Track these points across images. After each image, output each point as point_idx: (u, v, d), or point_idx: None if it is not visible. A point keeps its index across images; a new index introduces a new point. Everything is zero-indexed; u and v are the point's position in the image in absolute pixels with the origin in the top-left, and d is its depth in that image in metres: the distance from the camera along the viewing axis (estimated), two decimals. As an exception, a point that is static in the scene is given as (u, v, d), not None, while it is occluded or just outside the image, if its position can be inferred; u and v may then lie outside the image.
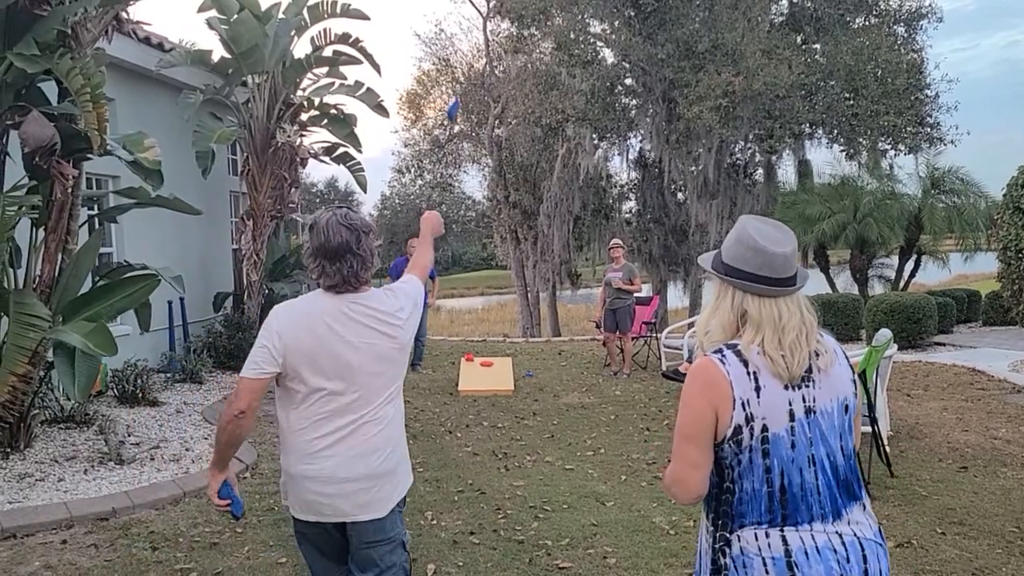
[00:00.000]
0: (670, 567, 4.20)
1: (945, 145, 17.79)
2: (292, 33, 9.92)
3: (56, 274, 6.24)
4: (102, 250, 8.70)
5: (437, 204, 34.80)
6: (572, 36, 18.97)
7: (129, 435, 6.56)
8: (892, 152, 18.46)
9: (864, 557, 1.86)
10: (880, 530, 1.97)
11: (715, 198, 19.46)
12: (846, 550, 1.85)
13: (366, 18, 10.13)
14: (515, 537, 4.67)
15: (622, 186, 23.44)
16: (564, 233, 21.93)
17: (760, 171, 20.62)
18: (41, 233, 6.18)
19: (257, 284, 10.15)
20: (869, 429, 5.69)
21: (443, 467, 6.22)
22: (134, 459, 5.92)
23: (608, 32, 19.17)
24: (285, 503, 2.75)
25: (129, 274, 6.72)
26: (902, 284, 16.60)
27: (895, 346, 6.51)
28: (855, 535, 1.88)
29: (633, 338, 10.61)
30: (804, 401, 1.88)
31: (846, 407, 1.94)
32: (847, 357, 2.03)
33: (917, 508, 5.02)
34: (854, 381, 1.98)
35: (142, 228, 9.09)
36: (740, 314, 1.94)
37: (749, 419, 1.85)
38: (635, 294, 10.36)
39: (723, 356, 1.90)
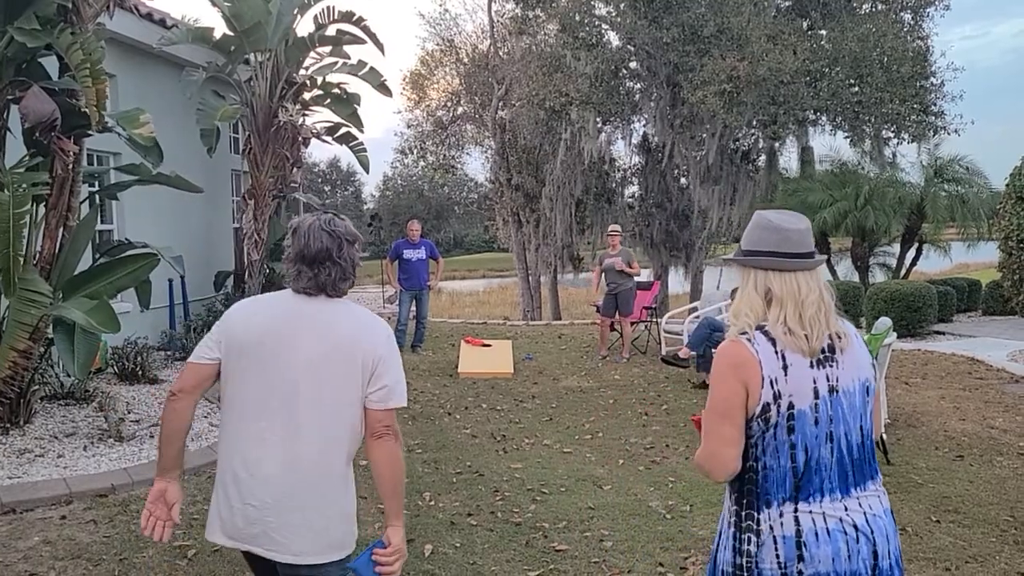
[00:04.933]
0: (666, 551, 4.22)
1: (949, 134, 17.69)
2: (295, 11, 9.86)
3: (56, 250, 6.24)
4: (103, 227, 8.70)
5: (440, 185, 34.73)
6: (577, 18, 18.83)
7: (129, 412, 6.58)
8: (895, 140, 18.38)
9: (874, 539, 1.95)
10: (890, 508, 2.05)
11: (717, 184, 19.38)
12: (856, 531, 1.93)
13: (370, -3, 10.07)
14: (512, 519, 4.69)
15: (625, 170, 23.34)
16: (566, 216, 21.86)
17: (763, 157, 20.53)
18: (42, 209, 6.17)
19: (258, 264, 10.14)
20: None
21: (442, 448, 6.25)
22: (133, 436, 5.95)
23: (613, 14, 19.01)
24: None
25: (129, 252, 6.72)
26: (903, 272, 16.59)
27: (894, 334, 6.51)
28: (865, 515, 1.95)
29: (633, 323, 10.62)
30: (828, 380, 1.96)
31: (867, 389, 2.03)
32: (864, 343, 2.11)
33: (912, 496, 5.05)
34: (873, 365, 2.06)
35: (143, 206, 9.08)
36: (764, 293, 2.01)
37: (777, 396, 1.92)
38: (635, 278, 10.36)
39: (751, 337, 1.97)
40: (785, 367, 1.93)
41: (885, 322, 6.05)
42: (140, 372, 7.73)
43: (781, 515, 1.93)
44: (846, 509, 1.94)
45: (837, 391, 1.96)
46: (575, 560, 4.13)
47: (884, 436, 5.91)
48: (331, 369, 2.32)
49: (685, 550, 4.22)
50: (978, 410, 7.20)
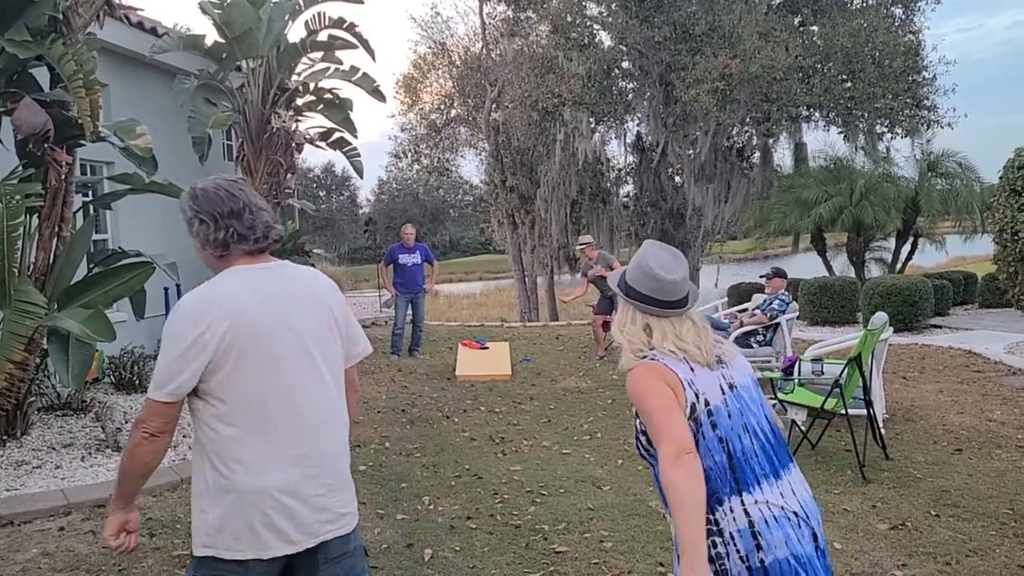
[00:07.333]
0: (666, 550, 4.21)
1: (942, 127, 17.73)
2: (286, 17, 9.87)
3: (51, 261, 6.23)
4: (97, 237, 8.69)
5: (435, 188, 34.70)
6: (569, 19, 18.86)
7: (126, 422, 6.57)
8: (889, 135, 18.42)
9: (811, 523, 2.11)
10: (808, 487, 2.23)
11: (712, 181, 19.42)
12: (797, 517, 2.08)
13: (359, 1, 10.08)
14: (512, 521, 4.69)
15: (619, 170, 23.35)
16: (562, 217, 21.88)
17: (756, 154, 20.57)
18: (35, 220, 6.16)
19: (253, 270, 10.12)
20: (864, 412, 5.71)
21: (440, 452, 6.24)
22: (131, 446, 5.93)
23: (605, 14, 19.04)
24: (207, 550, 2.14)
25: (124, 261, 6.70)
26: (899, 267, 16.60)
27: (891, 329, 6.51)
28: (799, 502, 2.12)
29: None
30: (725, 379, 2.18)
31: (755, 382, 2.26)
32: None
33: (911, 490, 5.05)
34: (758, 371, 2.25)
35: (137, 214, 9.07)
36: (644, 327, 2.25)
37: (698, 395, 2.10)
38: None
39: (653, 356, 2.17)
40: (693, 369, 2.14)
41: (881, 317, 6.05)
42: (137, 381, 7.72)
43: (732, 510, 2.06)
44: (782, 495, 2.09)
45: (736, 387, 2.18)
46: (575, 561, 4.12)
47: (883, 431, 5.92)
48: (329, 337, 2.32)
49: (685, 549, 4.21)
50: (976, 403, 7.20)
